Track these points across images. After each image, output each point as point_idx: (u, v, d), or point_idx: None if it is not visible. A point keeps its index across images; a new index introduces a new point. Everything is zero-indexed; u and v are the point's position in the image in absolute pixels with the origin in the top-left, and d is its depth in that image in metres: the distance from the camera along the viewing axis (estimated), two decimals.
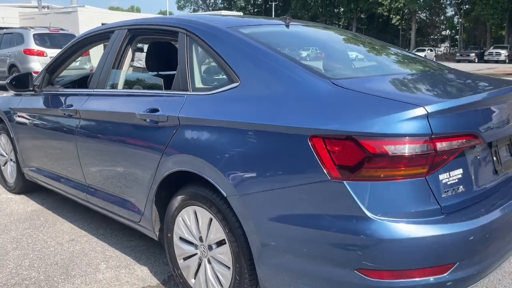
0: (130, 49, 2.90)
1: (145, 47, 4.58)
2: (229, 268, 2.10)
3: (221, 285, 2.17)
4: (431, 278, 1.66)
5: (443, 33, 66.10)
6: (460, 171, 1.78)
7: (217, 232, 2.13)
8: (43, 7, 36.91)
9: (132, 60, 2.94)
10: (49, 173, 3.49)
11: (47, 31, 12.77)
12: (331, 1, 63.39)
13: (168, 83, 2.55)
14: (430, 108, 1.63)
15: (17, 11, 34.64)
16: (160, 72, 2.85)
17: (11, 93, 4.17)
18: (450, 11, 60.91)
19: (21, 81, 3.55)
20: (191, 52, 2.41)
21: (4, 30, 14.44)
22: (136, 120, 2.47)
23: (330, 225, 1.71)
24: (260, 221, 1.89)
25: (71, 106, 3.06)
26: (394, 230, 1.63)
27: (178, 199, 2.31)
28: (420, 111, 1.62)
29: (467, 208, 1.77)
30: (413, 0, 53.81)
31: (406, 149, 1.61)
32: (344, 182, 1.66)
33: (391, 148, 1.61)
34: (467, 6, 54.25)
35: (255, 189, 1.89)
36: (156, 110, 2.37)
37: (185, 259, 2.36)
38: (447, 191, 1.72)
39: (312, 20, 66.54)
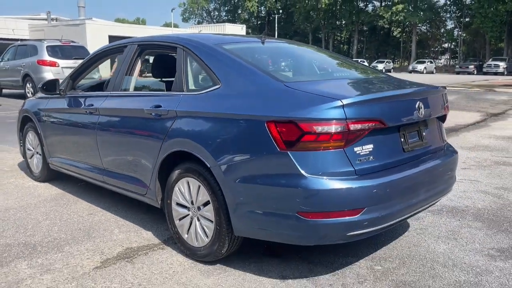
0: (140, 60, 3.69)
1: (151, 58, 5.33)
2: (212, 221, 2.85)
3: (206, 235, 2.91)
4: (349, 218, 2.41)
5: (444, 45, 67.01)
6: (371, 146, 2.53)
7: (204, 195, 2.88)
8: (52, 19, 38.08)
9: (143, 69, 3.73)
10: (72, 161, 4.26)
11: (59, 43, 13.67)
12: (334, 14, 64.57)
13: (169, 86, 3.32)
14: (345, 101, 2.39)
15: (27, 23, 35.75)
16: (162, 78, 3.62)
17: (35, 96, 4.97)
18: (450, 24, 61.92)
19: (50, 86, 4.34)
20: (186, 62, 3.18)
21: (19, 42, 15.36)
22: (144, 114, 3.24)
23: (279, 182, 2.46)
24: (233, 183, 2.64)
25: (92, 105, 3.84)
26: (321, 184, 2.38)
27: (175, 173, 3.06)
28: (337, 103, 2.38)
29: (376, 172, 2.52)
30: (414, 13, 54.87)
31: (328, 128, 2.37)
32: (288, 152, 2.42)
33: (319, 128, 2.37)
34: (466, 19, 55.22)
35: (230, 160, 2.65)
36: (159, 106, 3.14)
37: (180, 219, 3.10)
38: (360, 159, 2.47)
39: (314, 32, 67.65)
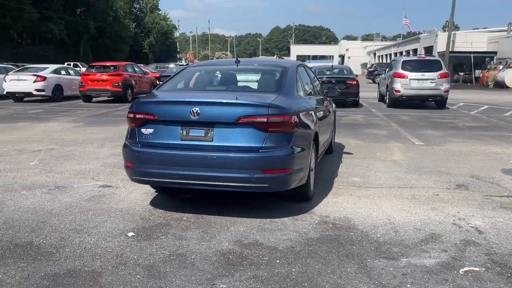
0: None
1: None
2: None
3: None
4: (129, 167, 4.31)
5: None
6: (152, 130, 4.18)
7: None
8: None
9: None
10: None
11: (415, 58, 15.43)
12: None
13: None
14: (136, 101, 4.27)
15: (486, 36, 37.03)
16: None
17: None
18: None
19: None
20: None
21: (402, 58, 18.10)
22: None
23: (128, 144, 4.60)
24: None
25: None
26: (125, 146, 4.39)
27: None
28: (135, 102, 4.29)
29: (152, 146, 4.17)
30: None
31: (129, 115, 4.32)
32: (132, 128, 4.52)
33: (129, 115, 4.36)
34: None
35: None
36: None
37: None
38: (143, 136, 4.22)
39: None
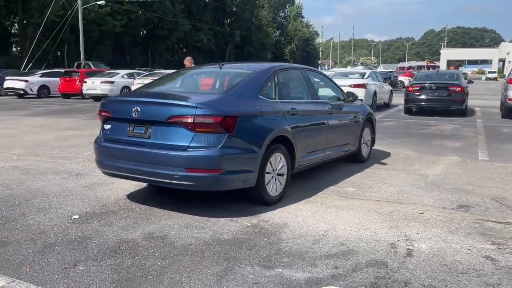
0: None
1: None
2: None
3: None
4: (95, 159, 4.83)
5: None
6: (110, 126, 4.63)
7: None
8: None
9: None
10: None
11: None
12: None
13: None
14: (103, 100, 4.76)
15: None
16: None
17: None
18: None
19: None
20: None
21: None
22: None
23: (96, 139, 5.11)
24: None
25: None
26: (95, 142, 4.92)
27: None
28: (107, 100, 4.81)
29: (109, 140, 4.62)
30: None
31: (100, 113, 4.84)
32: (101, 124, 5.05)
33: (99, 113, 4.89)
34: None
35: None
36: None
37: None
38: (104, 131, 4.71)
39: None
